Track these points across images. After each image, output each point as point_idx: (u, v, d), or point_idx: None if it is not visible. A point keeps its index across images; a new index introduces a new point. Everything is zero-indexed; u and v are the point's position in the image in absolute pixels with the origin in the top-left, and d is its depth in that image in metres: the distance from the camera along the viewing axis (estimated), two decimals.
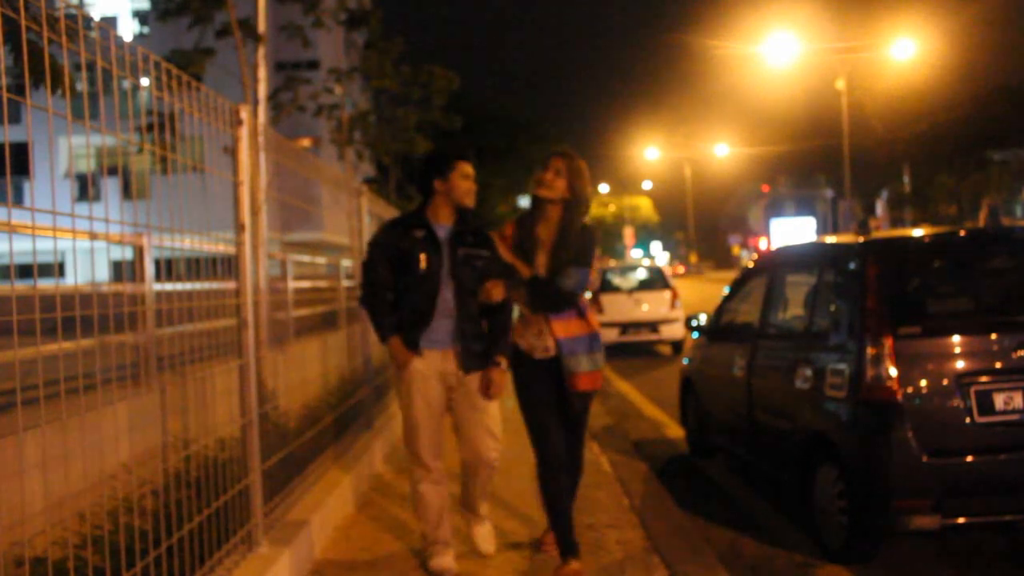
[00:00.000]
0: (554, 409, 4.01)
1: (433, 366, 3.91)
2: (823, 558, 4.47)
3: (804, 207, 68.44)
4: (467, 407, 3.97)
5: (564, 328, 3.97)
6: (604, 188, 66.65)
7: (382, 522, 4.88)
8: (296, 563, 3.84)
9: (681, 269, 71.13)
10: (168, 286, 3.97)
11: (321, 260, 8.16)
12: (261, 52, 8.22)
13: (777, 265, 5.76)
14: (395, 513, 5.05)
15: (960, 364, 4.16)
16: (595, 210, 57.81)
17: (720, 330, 6.37)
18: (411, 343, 3.89)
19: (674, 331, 14.02)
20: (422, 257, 3.86)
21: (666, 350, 14.59)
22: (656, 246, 77.49)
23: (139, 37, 36.59)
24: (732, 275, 7.66)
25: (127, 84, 2.81)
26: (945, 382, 4.11)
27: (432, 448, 3.96)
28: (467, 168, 3.96)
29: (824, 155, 47.91)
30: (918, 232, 4.99)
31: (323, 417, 5.22)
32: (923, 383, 4.12)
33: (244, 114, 3.68)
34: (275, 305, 6.22)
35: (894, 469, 4.05)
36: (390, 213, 8.12)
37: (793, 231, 59.19)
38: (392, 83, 13.02)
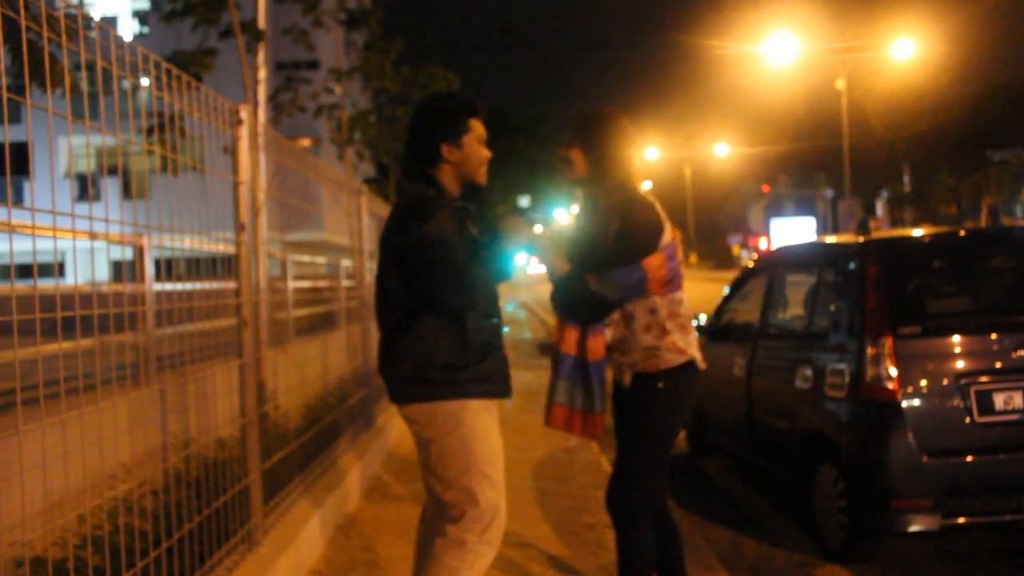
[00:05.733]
0: None
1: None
2: (823, 558, 4.47)
3: (804, 207, 68.37)
4: None
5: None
6: None
7: (382, 522, 4.88)
8: (296, 563, 3.84)
9: None
10: (168, 286, 3.97)
11: (321, 260, 8.16)
12: (262, 55, 8.24)
13: (777, 265, 5.76)
14: (395, 513, 5.05)
15: (960, 364, 4.15)
16: None
17: (720, 330, 6.37)
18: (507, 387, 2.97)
19: None
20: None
21: None
22: None
23: (139, 37, 36.60)
24: (732, 275, 7.66)
25: (127, 84, 2.81)
26: (945, 382, 4.11)
27: None
28: (482, 129, 2.95)
29: (824, 155, 47.90)
30: (918, 232, 4.99)
31: (323, 417, 5.22)
32: (923, 383, 4.12)
33: (244, 114, 3.69)
34: (275, 305, 6.22)
35: (894, 469, 4.05)
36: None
37: (793, 231, 59.18)
38: (392, 83, 13.03)
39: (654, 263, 3.00)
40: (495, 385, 2.89)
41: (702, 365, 3.17)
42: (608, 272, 2.96)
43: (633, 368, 3.09)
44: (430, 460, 2.88)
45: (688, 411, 3.20)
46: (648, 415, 3.10)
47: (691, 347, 3.12)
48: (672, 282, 3.09)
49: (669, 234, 3.10)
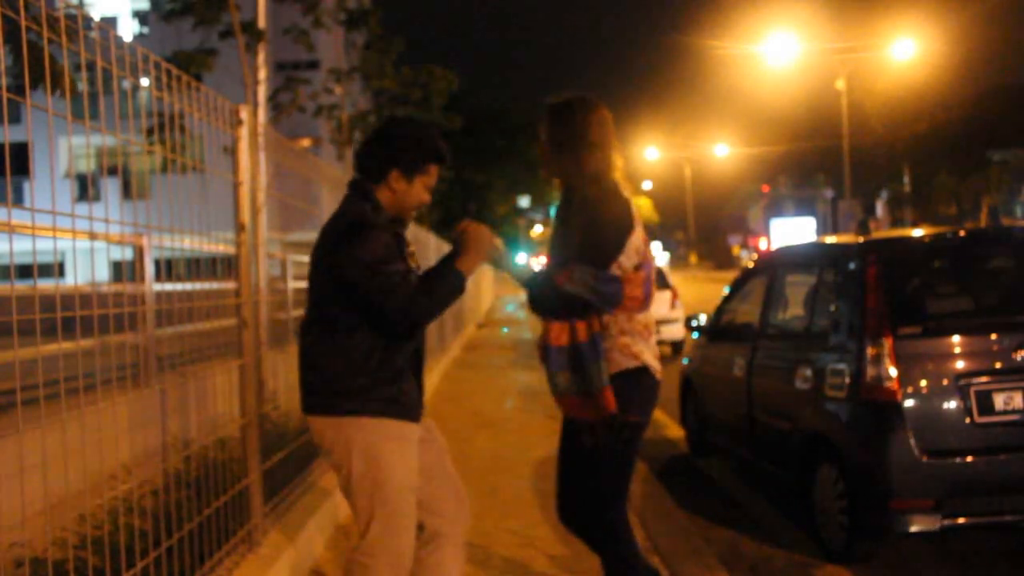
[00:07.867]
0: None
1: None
2: (823, 558, 4.46)
3: (804, 207, 68.45)
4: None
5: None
6: None
7: None
8: (296, 563, 3.84)
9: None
10: (168, 286, 3.96)
11: None
12: (262, 55, 8.24)
13: (777, 265, 5.76)
14: None
15: (960, 364, 4.15)
16: None
17: (720, 330, 6.37)
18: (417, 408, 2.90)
19: (674, 331, 14.01)
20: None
21: (666, 350, 14.59)
22: (656, 246, 77.71)
23: (139, 37, 36.62)
24: (732, 275, 7.67)
25: (127, 84, 2.81)
26: (945, 382, 4.11)
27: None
28: (434, 178, 2.94)
29: (824, 155, 47.97)
30: (918, 232, 4.99)
31: None
32: (923, 383, 4.12)
33: (244, 114, 3.69)
34: (275, 305, 6.22)
35: (894, 469, 4.05)
36: None
37: (793, 231, 59.20)
38: (392, 83, 13.03)
39: (634, 281, 2.87)
40: (402, 408, 2.79)
41: (659, 375, 2.97)
42: (582, 271, 2.82)
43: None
44: (344, 486, 2.81)
45: (644, 422, 2.95)
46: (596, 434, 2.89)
47: (645, 354, 2.92)
48: (644, 304, 2.92)
49: (640, 234, 2.93)
